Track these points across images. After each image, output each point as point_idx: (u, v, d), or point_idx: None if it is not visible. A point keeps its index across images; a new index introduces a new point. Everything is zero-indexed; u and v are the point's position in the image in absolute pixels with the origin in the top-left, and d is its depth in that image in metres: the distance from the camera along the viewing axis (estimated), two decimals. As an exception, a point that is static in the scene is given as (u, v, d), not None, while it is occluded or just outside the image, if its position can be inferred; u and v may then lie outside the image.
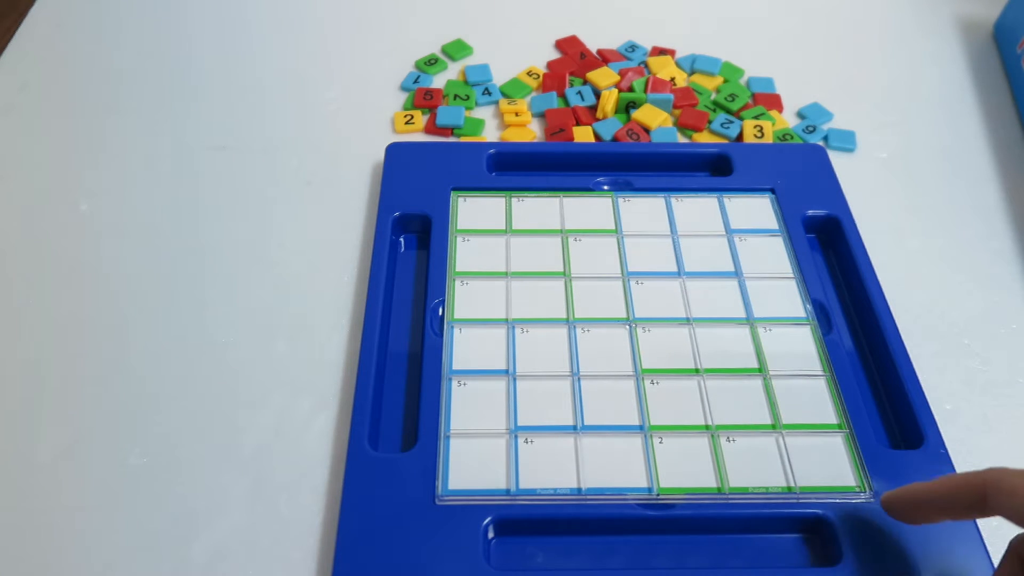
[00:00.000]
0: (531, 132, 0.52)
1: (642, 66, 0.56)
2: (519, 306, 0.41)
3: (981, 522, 0.34)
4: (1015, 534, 0.30)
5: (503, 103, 0.53)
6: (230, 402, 0.39)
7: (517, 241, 0.44)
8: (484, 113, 0.54)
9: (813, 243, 0.46)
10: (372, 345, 0.39)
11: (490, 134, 0.52)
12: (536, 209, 0.46)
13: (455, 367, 0.39)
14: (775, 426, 0.37)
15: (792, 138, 0.52)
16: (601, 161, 0.49)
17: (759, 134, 0.51)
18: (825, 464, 0.36)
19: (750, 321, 0.41)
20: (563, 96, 0.54)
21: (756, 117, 0.52)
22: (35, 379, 0.40)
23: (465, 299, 0.42)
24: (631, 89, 0.54)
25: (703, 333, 0.41)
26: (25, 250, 0.46)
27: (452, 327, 0.41)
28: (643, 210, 0.46)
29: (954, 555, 0.33)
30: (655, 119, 0.51)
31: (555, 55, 0.58)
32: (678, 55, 0.57)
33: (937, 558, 0.33)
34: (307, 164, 0.50)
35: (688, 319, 0.41)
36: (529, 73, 0.56)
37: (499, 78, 0.56)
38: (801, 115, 0.54)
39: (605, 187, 0.47)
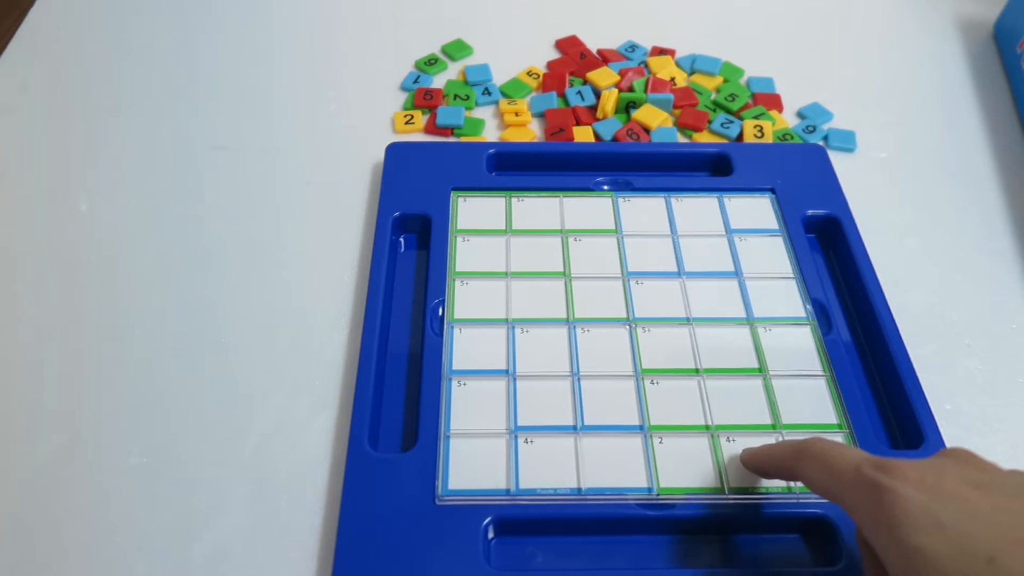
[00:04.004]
0: (531, 132, 0.52)
1: (642, 66, 0.56)
2: (519, 306, 0.41)
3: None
4: None
5: (503, 103, 0.53)
6: (230, 402, 0.39)
7: (517, 241, 0.44)
8: (484, 113, 0.54)
9: (813, 243, 0.46)
10: (372, 345, 0.39)
11: (490, 134, 0.52)
12: (536, 209, 0.46)
13: (455, 367, 0.39)
14: (775, 426, 0.37)
15: (792, 138, 0.52)
16: (601, 161, 0.49)
17: (759, 134, 0.51)
18: (825, 464, 0.36)
19: (750, 321, 0.41)
20: (563, 96, 0.54)
21: (756, 117, 0.52)
22: (35, 379, 0.40)
23: (465, 299, 0.42)
24: (631, 89, 0.54)
25: (703, 333, 0.41)
26: (25, 250, 0.46)
27: (452, 327, 0.41)
28: (643, 210, 0.46)
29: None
30: (655, 119, 0.51)
31: (555, 55, 0.58)
32: (678, 55, 0.57)
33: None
34: (307, 164, 0.50)
35: (688, 319, 0.41)
36: (529, 73, 0.56)
37: (499, 78, 0.56)
38: (801, 115, 0.54)
39: (605, 187, 0.47)
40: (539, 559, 0.34)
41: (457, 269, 0.43)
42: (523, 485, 0.35)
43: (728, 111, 0.53)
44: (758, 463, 0.34)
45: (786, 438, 0.37)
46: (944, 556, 0.24)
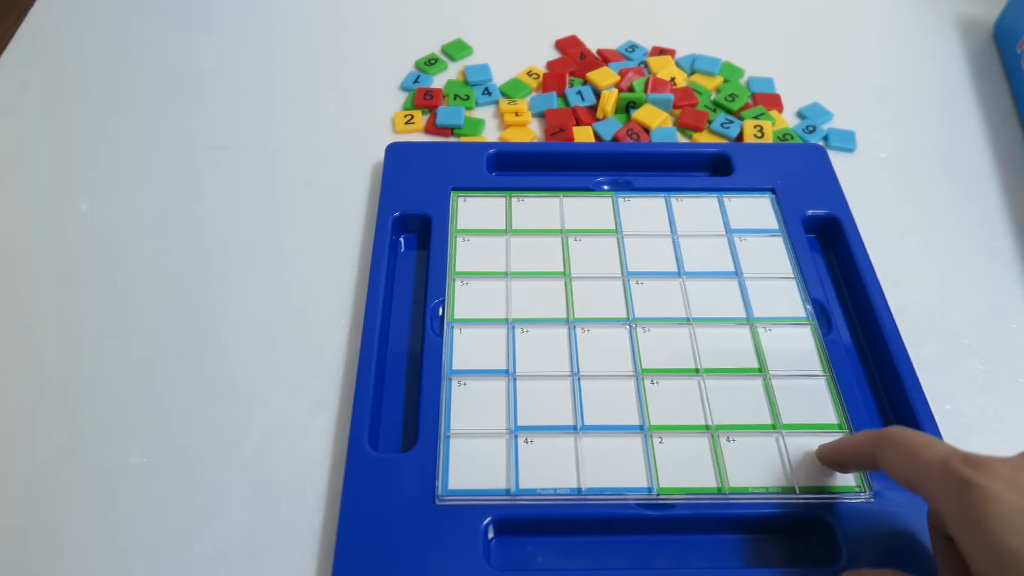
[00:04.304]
0: (531, 132, 0.52)
1: (642, 66, 0.56)
2: (519, 306, 0.41)
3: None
4: None
5: (503, 103, 0.53)
6: (230, 402, 0.39)
7: (517, 241, 0.44)
8: (484, 113, 0.54)
9: (813, 243, 0.46)
10: (372, 345, 0.39)
11: (490, 134, 0.52)
12: (536, 209, 0.46)
13: (455, 367, 0.39)
14: (775, 426, 0.37)
15: (792, 138, 0.52)
16: (601, 161, 0.49)
17: (759, 134, 0.51)
18: (825, 464, 0.36)
19: (750, 321, 0.41)
20: (563, 96, 0.54)
21: (756, 117, 0.52)
22: (36, 379, 0.40)
23: (465, 299, 0.42)
24: (631, 89, 0.54)
25: (703, 333, 0.41)
26: (26, 250, 0.46)
27: (452, 327, 0.41)
28: (643, 210, 0.46)
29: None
30: (655, 119, 0.51)
31: (555, 55, 0.58)
32: (678, 55, 0.57)
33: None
34: (307, 164, 0.50)
35: (688, 319, 0.41)
36: (529, 73, 0.56)
37: (499, 78, 0.56)
38: (801, 115, 0.54)
39: (605, 187, 0.47)
40: (539, 559, 0.34)
41: (457, 269, 0.43)
42: (523, 485, 0.35)
43: (728, 111, 0.53)
44: (835, 454, 0.34)
45: (786, 438, 0.37)
46: None
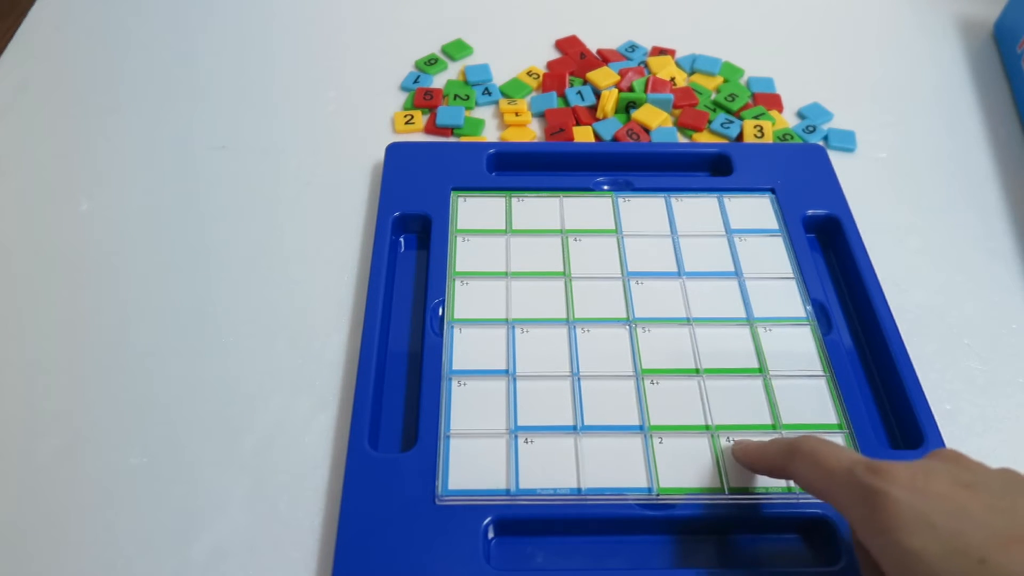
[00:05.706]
0: (531, 132, 0.52)
1: (642, 66, 0.56)
2: (519, 306, 0.41)
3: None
4: None
5: (503, 103, 0.53)
6: (230, 402, 0.39)
7: (517, 241, 0.44)
8: (484, 113, 0.54)
9: (813, 243, 0.46)
10: (372, 345, 0.39)
11: (490, 134, 0.52)
12: (536, 209, 0.46)
13: (455, 367, 0.39)
14: (775, 426, 0.37)
15: (792, 138, 0.52)
16: (601, 161, 0.49)
17: (759, 134, 0.51)
18: (825, 464, 0.36)
19: (750, 321, 0.41)
20: (563, 96, 0.54)
21: (756, 117, 0.52)
22: (35, 379, 0.40)
23: (465, 299, 0.42)
24: (631, 89, 0.54)
25: (703, 333, 0.41)
26: (26, 250, 0.46)
27: (452, 327, 0.41)
28: (643, 210, 0.46)
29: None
30: (655, 119, 0.51)
31: (555, 55, 0.58)
32: (678, 55, 0.57)
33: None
34: (307, 164, 0.50)
35: (688, 319, 0.41)
36: (529, 73, 0.56)
37: (499, 78, 0.56)
38: (801, 115, 0.54)
39: (605, 187, 0.47)
40: (539, 559, 0.34)
41: (457, 269, 0.43)
42: (523, 485, 0.35)
43: (728, 111, 0.53)
44: (750, 460, 0.35)
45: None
46: (936, 557, 0.25)
